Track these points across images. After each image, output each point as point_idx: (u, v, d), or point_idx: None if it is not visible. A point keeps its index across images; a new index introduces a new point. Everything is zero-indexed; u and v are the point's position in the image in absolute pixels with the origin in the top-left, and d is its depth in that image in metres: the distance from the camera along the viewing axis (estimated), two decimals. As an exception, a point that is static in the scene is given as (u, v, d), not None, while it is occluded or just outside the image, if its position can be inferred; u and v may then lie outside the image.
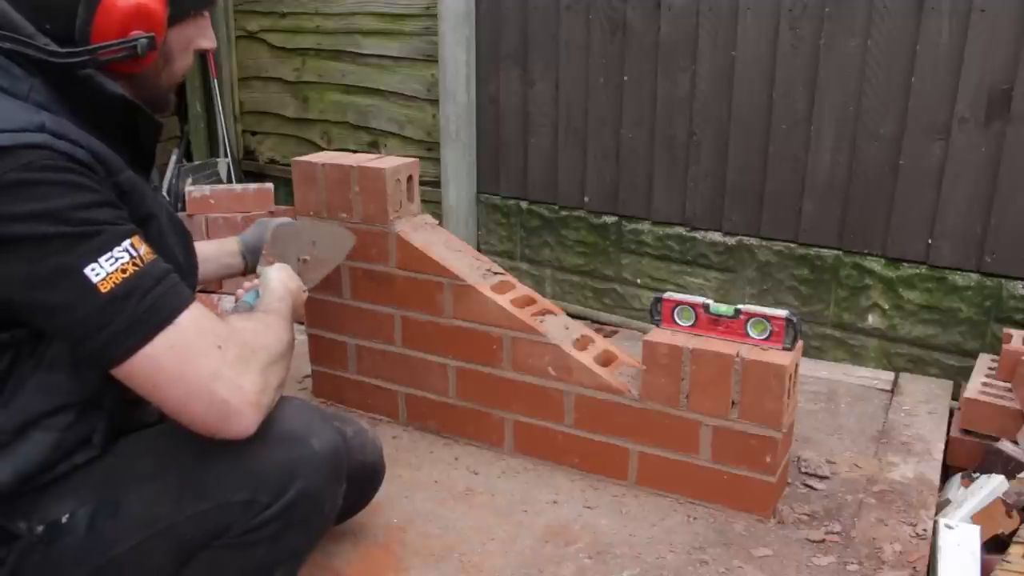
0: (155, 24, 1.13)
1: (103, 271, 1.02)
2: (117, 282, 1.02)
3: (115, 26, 1.10)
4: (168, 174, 3.73)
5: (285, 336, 1.26)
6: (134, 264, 1.04)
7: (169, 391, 1.07)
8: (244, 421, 1.10)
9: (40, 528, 1.14)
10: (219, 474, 1.15)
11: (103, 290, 1.02)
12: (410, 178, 2.06)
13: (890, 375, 2.51)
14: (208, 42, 1.27)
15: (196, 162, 4.10)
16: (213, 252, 1.70)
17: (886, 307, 2.53)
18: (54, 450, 1.13)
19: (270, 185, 3.32)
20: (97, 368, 1.09)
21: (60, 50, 1.08)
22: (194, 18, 1.22)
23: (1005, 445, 1.96)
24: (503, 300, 1.94)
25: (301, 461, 1.19)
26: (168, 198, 1.38)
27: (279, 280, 1.45)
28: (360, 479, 1.62)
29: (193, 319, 1.09)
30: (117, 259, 1.03)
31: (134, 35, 1.11)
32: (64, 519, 1.14)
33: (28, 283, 1.02)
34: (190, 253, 1.32)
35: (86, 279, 1.01)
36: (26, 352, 1.11)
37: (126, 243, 1.05)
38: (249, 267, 1.74)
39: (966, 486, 1.91)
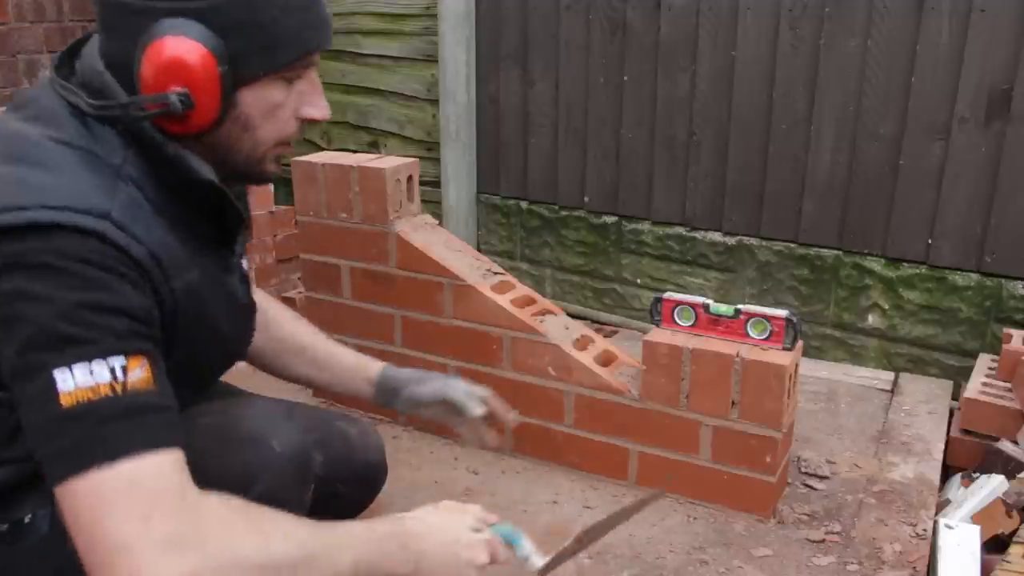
0: (193, 81, 1.02)
1: (72, 383, 0.91)
2: (80, 400, 0.91)
3: (152, 80, 1.02)
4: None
5: (290, 551, 0.97)
6: (111, 388, 0.92)
7: (79, 539, 0.90)
8: None
9: (4, 527, 1.12)
10: None
11: (63, 403, 0.90)
12: (410, 178, 2.07)
13: (890, 375, 2.51)
14: (314, 110, 1.14)
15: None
16: (349, 369, 1.58)
17: (886, 307, 2.53)
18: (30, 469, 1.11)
19: (270, 185, 3.32)
20: None
21: (95, 102, 1.02)
22: (272, 80, 1.09)
23: (1005, 445, 1.96)
24: (503, 300, 1.94)
25: (260, 464, 1.14)
26: (246, 278, 1.28)
27: (424, 523, 1.16)
28: (366, 479, 1.62)
29: (136, 471, 0.90)
30: (94, 374, 0.92)
31: (171, 91, 1.02)
32: (27, 519, 1.11)
33: (14, 364, 0.95)
34: (241, 326, 1.26)
35: (52, 385, 0.91)
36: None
37: (115, 361, 0.93)
38: (379, 403, 1.59)
39: (966, 486, 1.91)
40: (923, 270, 2.45)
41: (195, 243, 1.11)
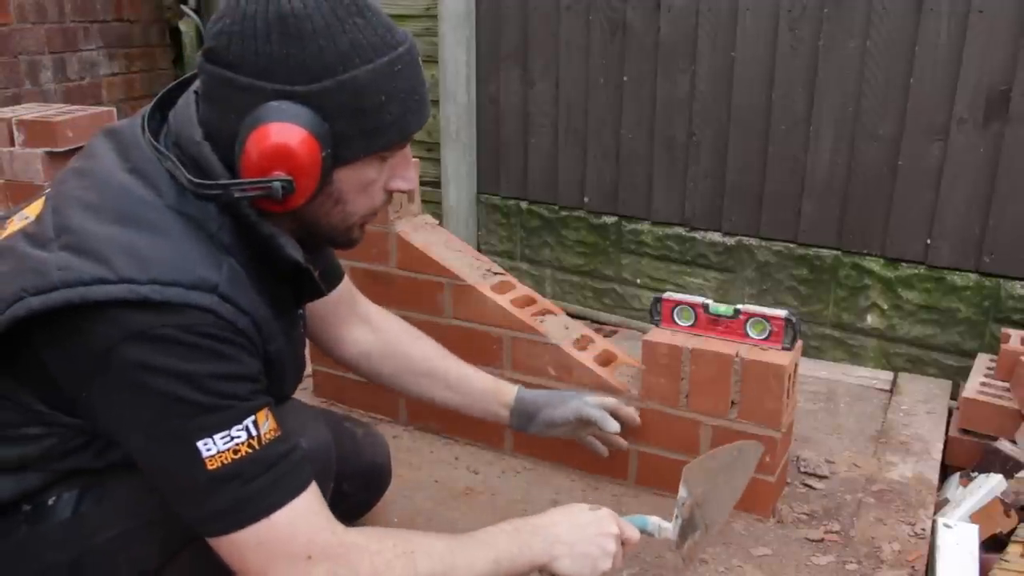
0: (298, 168, 1.03)
1: (215, 448, 1.00)
2: (225, 462, 1.00)
3: (256, 164, 1.03)
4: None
5: (435, 567, 1.10)
6: (249, 445, 1.02)
7: None
8: None
9: (27, 507, 1.14)
10: None
11: (209, 467, 1.00)
12: (410, 179, 2.07)
13: (889, 375, 2.51)
14: (403, 183, 1.16)
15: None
16: (484, 393, 1.62)
17: (885, 307, 2.53)
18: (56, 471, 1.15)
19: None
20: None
21: (195, 180, 1.03)
22: (370, 160, 1.10)
23: (1003, 444, 1.97)
24: (503, 300, 1.94)
25: None
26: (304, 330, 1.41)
27: (553, 526, 1.22)
28: (371, 479, 1.64)
29: (291, 519, 1.04)
30: (233, 438, 1.01)
31: (274, 176, 1.02)
32: (51, 501, 1.14)
33: (143, 433, 1.02)
34: (297, 380, 1.31)
35: (196, 452, 0.99)
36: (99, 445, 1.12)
37: (248, 420, 1.02)
38: (513, 427, 1.64)
39: (964, 485, 1.91)
40: (922, 270, 2.46)
41: (276, 307, 1.14)
